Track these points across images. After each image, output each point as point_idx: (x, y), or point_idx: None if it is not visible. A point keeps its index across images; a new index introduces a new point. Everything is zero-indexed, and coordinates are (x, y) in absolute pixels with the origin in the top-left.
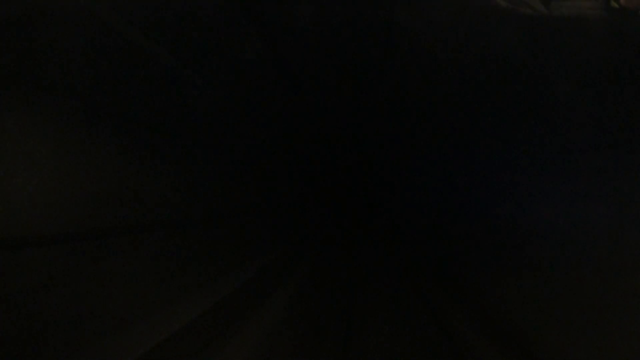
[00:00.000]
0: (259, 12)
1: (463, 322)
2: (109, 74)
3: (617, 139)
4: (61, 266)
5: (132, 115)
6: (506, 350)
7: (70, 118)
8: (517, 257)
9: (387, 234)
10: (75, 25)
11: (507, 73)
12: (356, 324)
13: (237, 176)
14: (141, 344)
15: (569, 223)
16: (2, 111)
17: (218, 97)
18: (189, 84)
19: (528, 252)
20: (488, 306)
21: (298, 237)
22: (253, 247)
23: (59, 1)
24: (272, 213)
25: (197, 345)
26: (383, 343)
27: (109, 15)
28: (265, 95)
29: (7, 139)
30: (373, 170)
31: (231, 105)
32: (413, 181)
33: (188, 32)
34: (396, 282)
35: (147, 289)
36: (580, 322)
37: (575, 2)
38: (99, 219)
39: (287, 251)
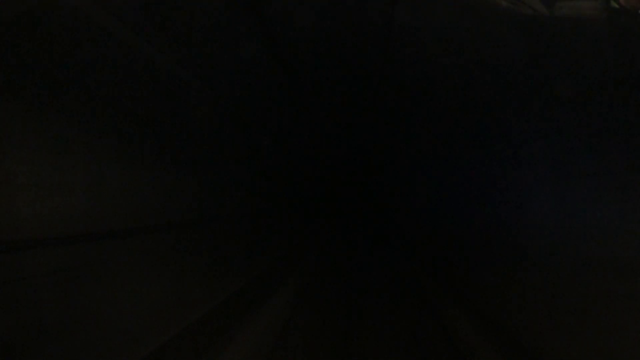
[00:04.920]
0: (261, 12)
1: (463, 323)
2: (113, 79)
3: (616, 139)
4: (63, 267)
5: (135, 117)
6: (506, 350)
7: (76, 122)
8: (517, 260)
9: (389, 236)
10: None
11: (508, 72)
12: (357, 323)
13: (241, 180)
14: (145, 345)
15: (570, 226)
16: (5, 117)
17: (218, 99)
18: (191, 89)
19: (528, 254)
20: (488, 307)
21: (301, 239)
22: (256, 249)
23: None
24: (276, 215)
25: (200, 345)
26: (383, 343)
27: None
28: (266, 97)
29: (10, 143)
30: (375, 172)
31: (230, 106)
32: (414, 183)
33: (187, 32)
34: (397, 284)
35: (151, 289)
36: (580, 323)
37: (576, 3)
38: (101, 222)
39: (290, 253)
